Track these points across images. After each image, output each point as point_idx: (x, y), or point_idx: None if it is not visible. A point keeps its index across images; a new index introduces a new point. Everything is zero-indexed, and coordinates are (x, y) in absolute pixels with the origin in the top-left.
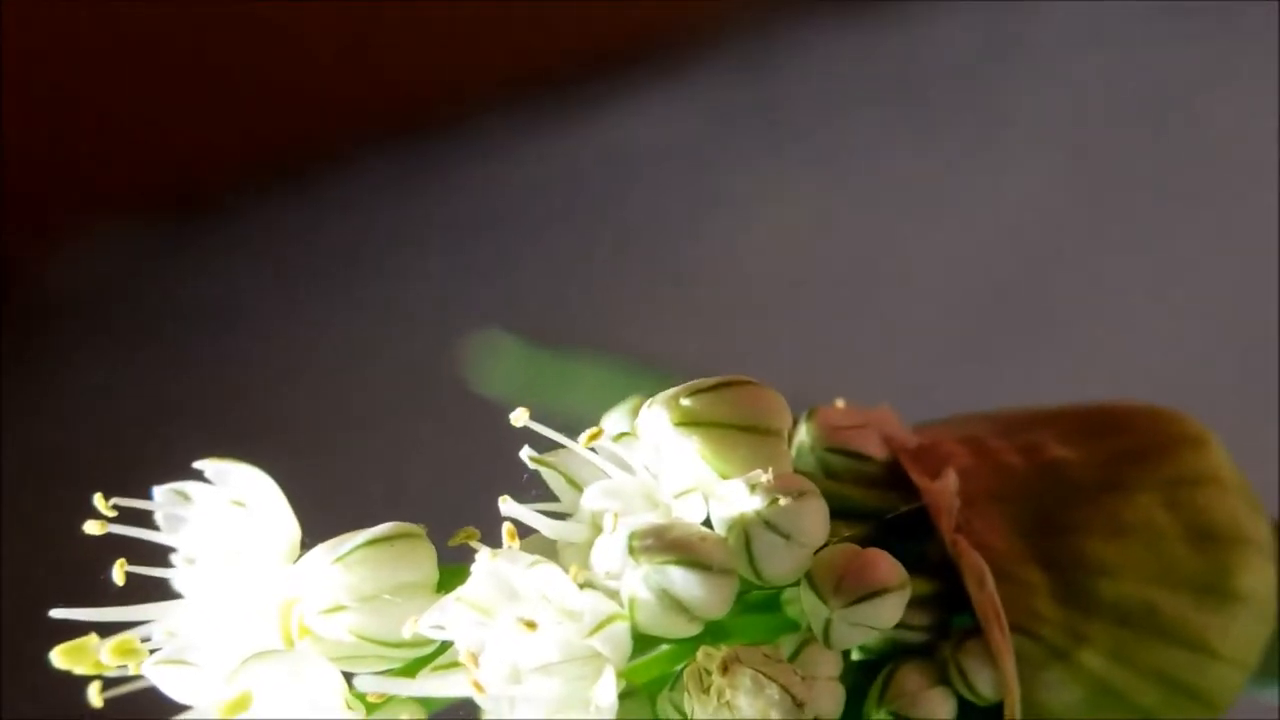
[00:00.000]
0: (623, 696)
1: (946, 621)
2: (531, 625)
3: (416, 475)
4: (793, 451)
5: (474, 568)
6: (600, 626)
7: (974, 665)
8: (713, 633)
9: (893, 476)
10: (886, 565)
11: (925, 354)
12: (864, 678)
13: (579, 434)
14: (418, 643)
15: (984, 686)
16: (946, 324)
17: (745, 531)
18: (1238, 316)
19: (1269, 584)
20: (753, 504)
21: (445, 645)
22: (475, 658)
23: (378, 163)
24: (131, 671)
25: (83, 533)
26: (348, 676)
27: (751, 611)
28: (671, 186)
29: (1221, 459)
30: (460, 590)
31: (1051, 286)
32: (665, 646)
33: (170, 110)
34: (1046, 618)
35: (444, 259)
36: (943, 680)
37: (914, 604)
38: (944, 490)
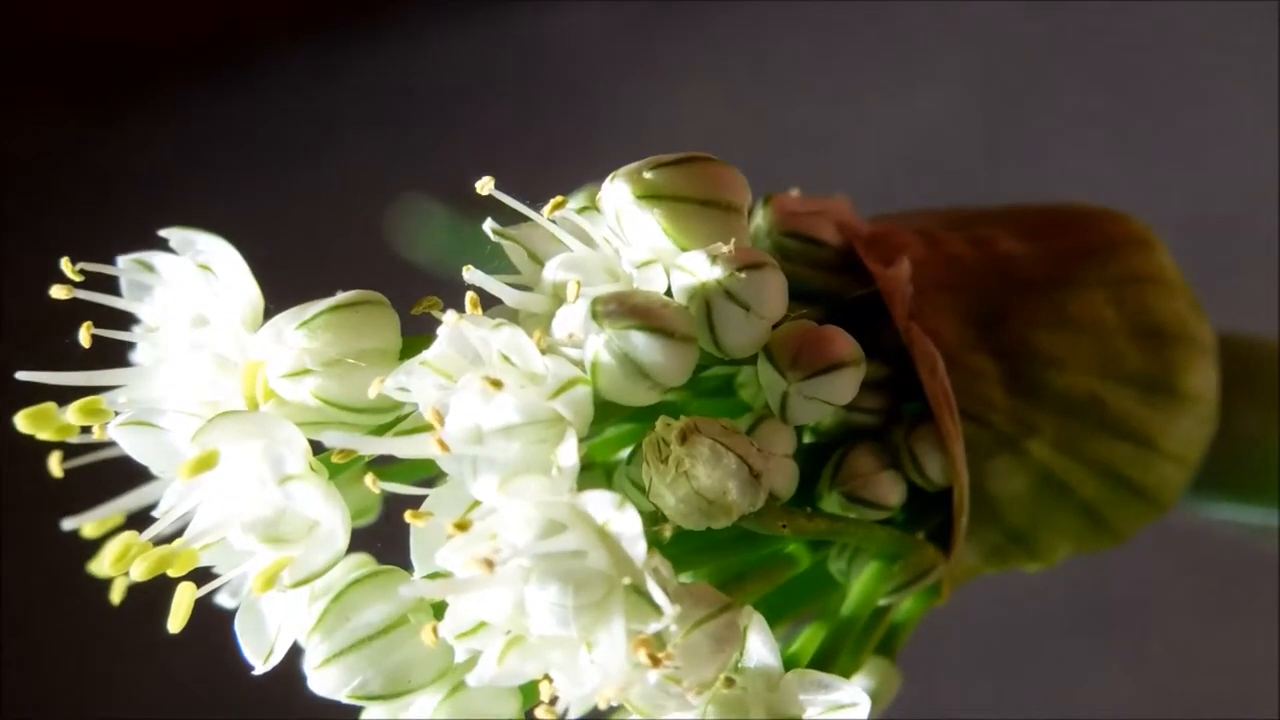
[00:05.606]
0: (579, 469)
1: (897, 408)
2: (497, 384)
3: None
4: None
5: (439, 330)
6: (562, 389)
7: (925, 450)
8: (669, 414)
9: (846, 263)
10: (842, 340)
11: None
12: (815, 462)
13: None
14: (380, 407)
15: (934, 471)
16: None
17: (706, 300)
18: None
19: (1212, 385)
20: (714, 274)
21: (402, 420)
22: (440, 416)
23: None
24: (95, 436)
25: None
26: (314, 446)
27: (706, 396)
28: (599, 65)
29: (1166, 260)
30: (424, 353)
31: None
32: (615, 430)
33: None
34: (996, 405)
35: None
36: (894, 465)
37: (866, 387)
38: (898, 277)
